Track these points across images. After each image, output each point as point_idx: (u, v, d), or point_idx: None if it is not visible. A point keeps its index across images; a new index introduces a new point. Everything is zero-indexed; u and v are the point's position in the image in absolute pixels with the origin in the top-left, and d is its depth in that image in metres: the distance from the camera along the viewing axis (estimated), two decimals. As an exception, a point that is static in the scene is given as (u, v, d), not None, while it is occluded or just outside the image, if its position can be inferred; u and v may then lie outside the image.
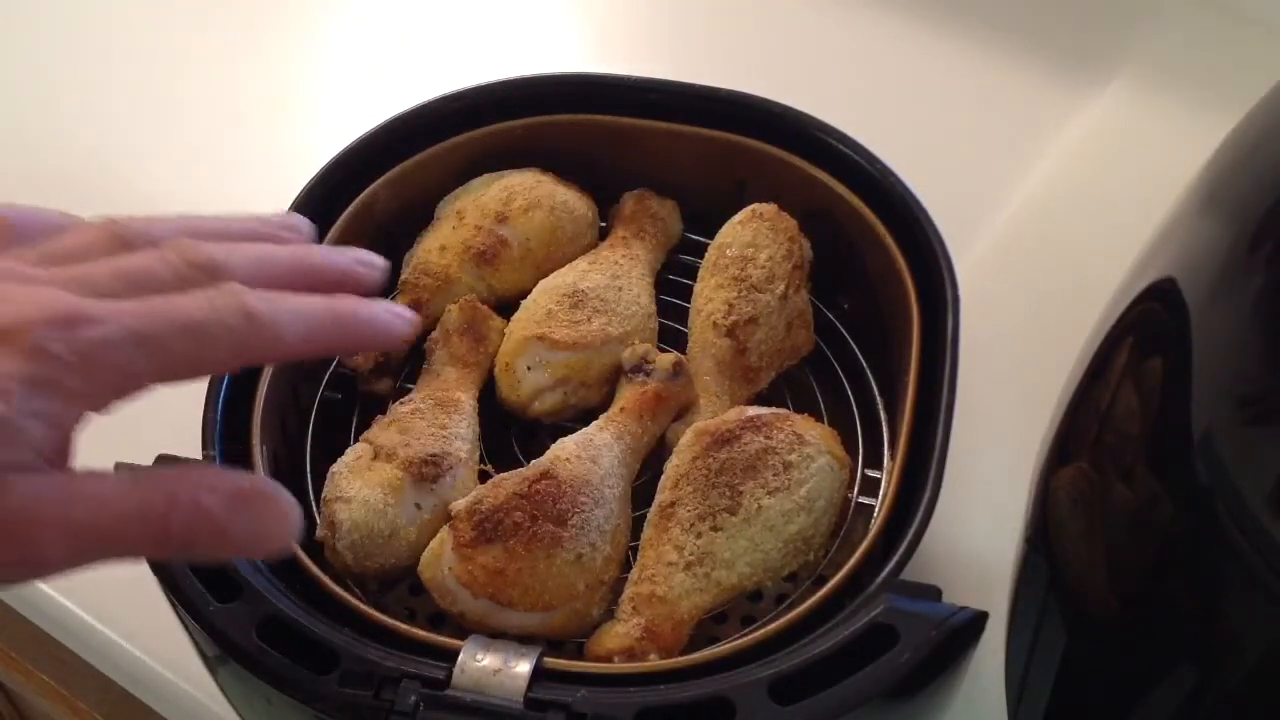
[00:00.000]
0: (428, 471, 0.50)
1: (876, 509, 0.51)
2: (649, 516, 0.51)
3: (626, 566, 0.50)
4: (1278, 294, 0.32)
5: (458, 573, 0.47)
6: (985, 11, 0.86)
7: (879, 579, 0.46)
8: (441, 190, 0.61)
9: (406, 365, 0.58)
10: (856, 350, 0.59)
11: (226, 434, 0.50)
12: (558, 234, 0.60)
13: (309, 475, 0.54)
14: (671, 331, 0.59)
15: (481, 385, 0.56)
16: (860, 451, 0.55)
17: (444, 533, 0.48)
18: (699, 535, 0.49)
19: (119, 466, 0.41)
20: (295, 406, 0.55)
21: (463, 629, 0.47)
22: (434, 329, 0.57)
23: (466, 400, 0.54)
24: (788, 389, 0.58)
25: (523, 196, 0.59)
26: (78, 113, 0.82)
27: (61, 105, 0.83)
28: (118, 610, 0.59)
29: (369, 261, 0.42)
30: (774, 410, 0.53)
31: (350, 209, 0.58)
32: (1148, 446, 0.36)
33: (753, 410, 0.52)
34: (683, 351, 0.57)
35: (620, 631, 0.47)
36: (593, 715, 0.42)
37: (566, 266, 0.59)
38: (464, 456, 0.51)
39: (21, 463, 0.33)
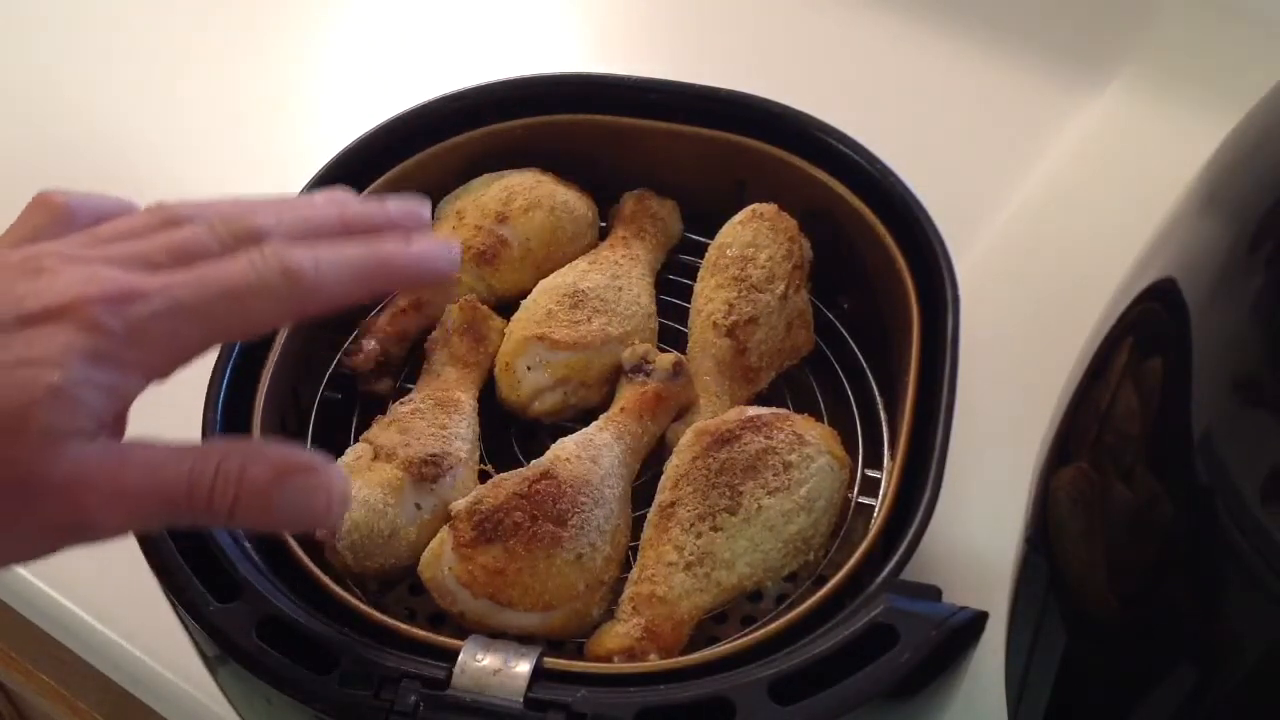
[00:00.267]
0: (428, 471, 0.50)
1: (876, 509, 0.51)
2: (649, 516, 0.51)
3: (626, 566, 0.50)
4: (1278, 294, 0.32)
5: (458, 573, 0.47)
6: (985, 11, 0.86)
7: (879, 579, 0.46)
8: (441, 190, 0.61)
9: (406, 365, 0.58)
10: (856, 350, 0.59)
11: (227, 434, 0.50)
12: (558, 234, 0.60)
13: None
14: (671, 331, 0.59)
15: (481, 385, 0.56)
16: (860, 451, 0.55)
17: (444, 533, 0.48)
18: (699, 535, 0.49)
19: None
20: (295, 406, 0.55)
21: (463, 629, 0.47)
22: (434, 329, 0.57)
23: (466, 400, 0.54)
24: (788, 389, 0.58)
25: (523, 196, 0.59)
26: (77, 113, 0.82)
27: (61, 106, 0.83)
28: (118, 610, 0.59)
29: (412, 209, 0.43)
30: (774, 410, 0.53)
31: (350, 209, 0.58)
32: (1148, 446, 0.36)
33: (753, 410, 0.52)
34: (683, 351, 0.57)
35: (620, 631, 0.47)
36: (593, 715, 0.42)
37: (566, 266, 0.59)
38: (464, 456, 0.51)
39: (78, 429, 0.35)
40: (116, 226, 0.40)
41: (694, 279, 0.59)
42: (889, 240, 0.57)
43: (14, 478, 0.35)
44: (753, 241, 0.57)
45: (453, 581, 0.47)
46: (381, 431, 0.52)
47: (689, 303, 0.59)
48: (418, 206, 0.43)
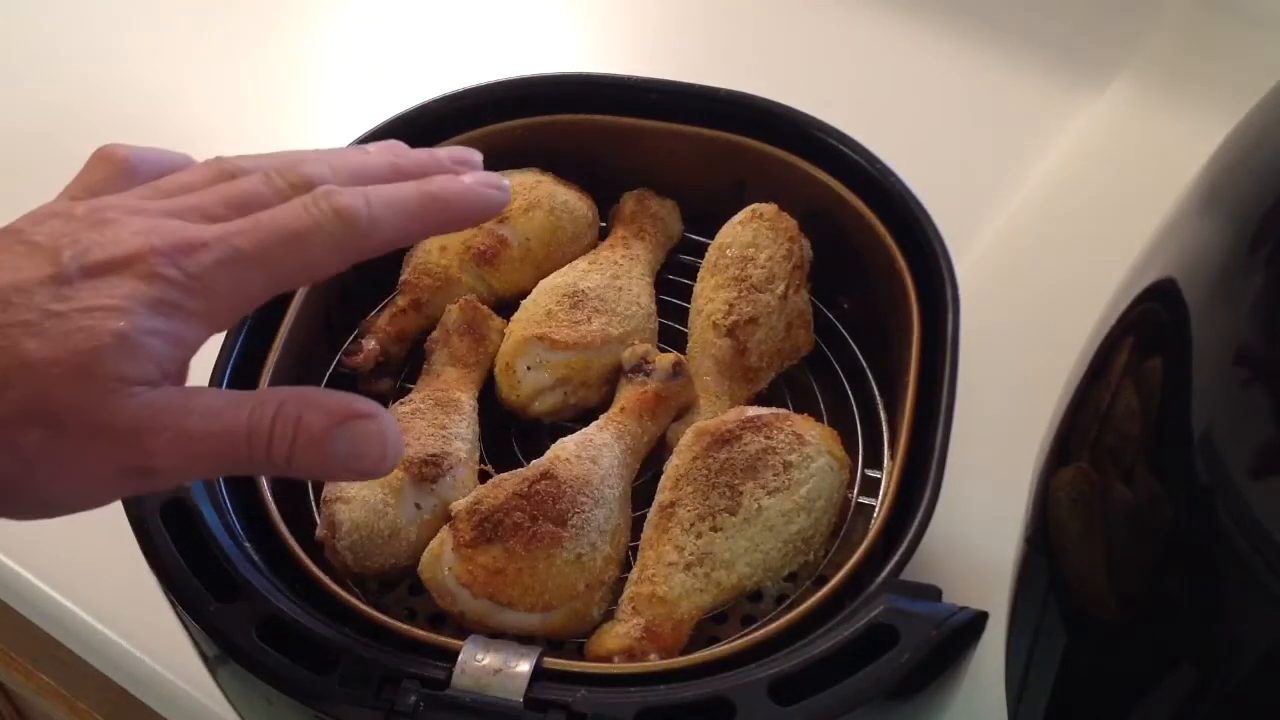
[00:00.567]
0: (428, 471, 0.50)
1: (876, 509, 0.51)
2: (649, 516, 0.51)
3: (626, 566, 0.50)
4: (1278, 294, 0.32)
5: (458, 573, 0.47)
6: (985, 11, 0.86)
7: (879, 579, 0.46)
8: (441, 190, 0.61)
9: (406, 365, 0.58)
10: (856, 350, 0.59)
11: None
12: (558, 234, 0.60)
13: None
14: (671, 331, 0.59)
15: (481, 385, 0.56)
16: (860, 451, 0.55)
17: (444, 533, 0.48)
18: (699, 535, 0.49)
19: None
20: (295, 406, 0.55)
21: (463, 629, 0.47)
22: (434, 329, 0.57)
23: (466, 400, 0.54)
24: (788, 389, 0.58)
25: (523, 196, 0.59)
26: (77, 114, 0.82)
27: (60, 106, 0.83)
28: (118, 610, 0.59)
29: (463, 157, 0.44)
30: (774, 410, 0.53)
31: (350, 209, 0.58)
32: (1148, 446, 0.36)
33: (753, 410, 0.52)
34: (683, 351, 0.57)
35: (620, 631, 0.47)
36: (593, 715, 0.42)
37: (566, 266, 0.59)
38: (464, 456, 0.51)
39: (143, 377, 0.36)
40: (176, 179, 0.41)
41: (694, 279, 0.59)
42: (889, 240, 0.57)
43: (81, 423, 0.35)
44: (753, 241, 0.57)
45: (453, 581, 0.47)
46: (381, 431, 0.52)
47: (689, 303, 0.59)
48: (469, 153, 0.44)
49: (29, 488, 0.36)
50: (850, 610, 0.45)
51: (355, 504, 0.49)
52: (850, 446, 0.54)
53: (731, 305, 0.56)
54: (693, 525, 0.49)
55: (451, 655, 0.44)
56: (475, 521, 0.47)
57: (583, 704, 0.42)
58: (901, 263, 0.56)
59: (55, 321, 0.35)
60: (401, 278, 0.58)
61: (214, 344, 0.47)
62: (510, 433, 0.56)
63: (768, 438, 0.50)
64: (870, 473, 0.54)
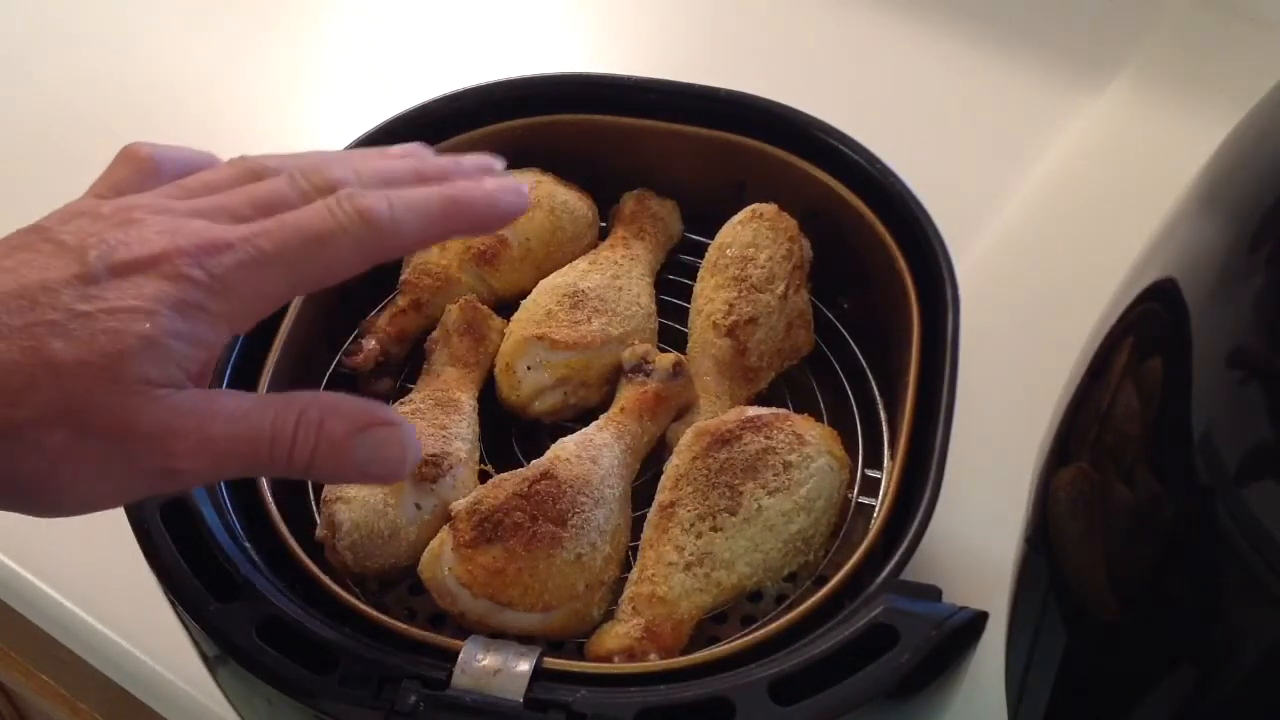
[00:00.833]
0: (428, 471, 0.50)
1: (876, 509, 0.51)
2: (649, 516, 0.51)
3: (626, 566, 0.50)
4: (1278, 294, 0.32)
5: (458, 573, 0.47)
6: (985, 11, 0.86)
7: (879, 579, 0.46)
8: (441, 190, 0.61)
9: (406, 365, 0.58)
10: (856, 350, 0.59)
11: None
12: (558, 234, 0.60)
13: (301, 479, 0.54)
14: (671, 331, 0.59)
15: (481, 385, 0.56)
16: (860, 451, 0.55)
17: (444, 533, 0.48)
18: (699, 535, 0.49)
19: None
20: (295, 406, 0.55)
21: (463, 629, 0.47)
22: (434, 329, 0.57)
23: (466, 400, 0.54)
24: (788, 389, 0.58)
25: (523, 196, 0.59)
26: (76, 114, 0.82)
27: (60, 107, 0.83)
28: (118, 610, 0.59)
29: (485, 161, 0.45)
30: (774, 410, 0.53)
31: (350, 209, 0.58)
32: (1148, 446, 0.36)
33: (753, 410, 0.52)
34: (683, 351, 0.57)
35: (620, 632, 0.47)
36: (593, 715, 0.42)
37: (566, 266, 0.59)
38: (464, 456, 0.51)
39: (168, 379, 0.36)
40: (202, 179, 0.41)
41: (694, 279, 0.59)
42: (889, 240, 0.57)
43: (107, 425, 0.35)
44: (753, 241, 0.57)
45: (453, 581, 0.47)
46: (381, 431, 0.52)
47: (689, 303, 0.59)
48: (492, 160, 0.45)
49: (54, 488, 0.36)
50: (850, 610, 0.45)
51: (355, 504, 0.49)
52: (850, 446, 0.54)
53: (731, 305, 0.56)
54: (693, 525, 0.49)
55: (451, 655, 0.44)
56: (475, 521, 0.47)
57: (583, 704, 0.42)
58: (901, 263, 0.56)
59: (81, 322, 0.35)
60: (401, 278, 0.58)
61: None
62: (510, 433, 0.56)
63: (768, 438, 0.50)
64: (870, 473, 0.54)
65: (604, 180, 0.62)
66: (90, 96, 0.83)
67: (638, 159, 0.62)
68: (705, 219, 0.61)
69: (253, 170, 0.41)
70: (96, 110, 0.82)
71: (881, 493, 0.51)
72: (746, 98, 0.61)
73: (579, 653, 0.49)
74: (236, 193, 0.40)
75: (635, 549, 0.50)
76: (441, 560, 0.48)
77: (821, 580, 0.50)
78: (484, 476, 0.52)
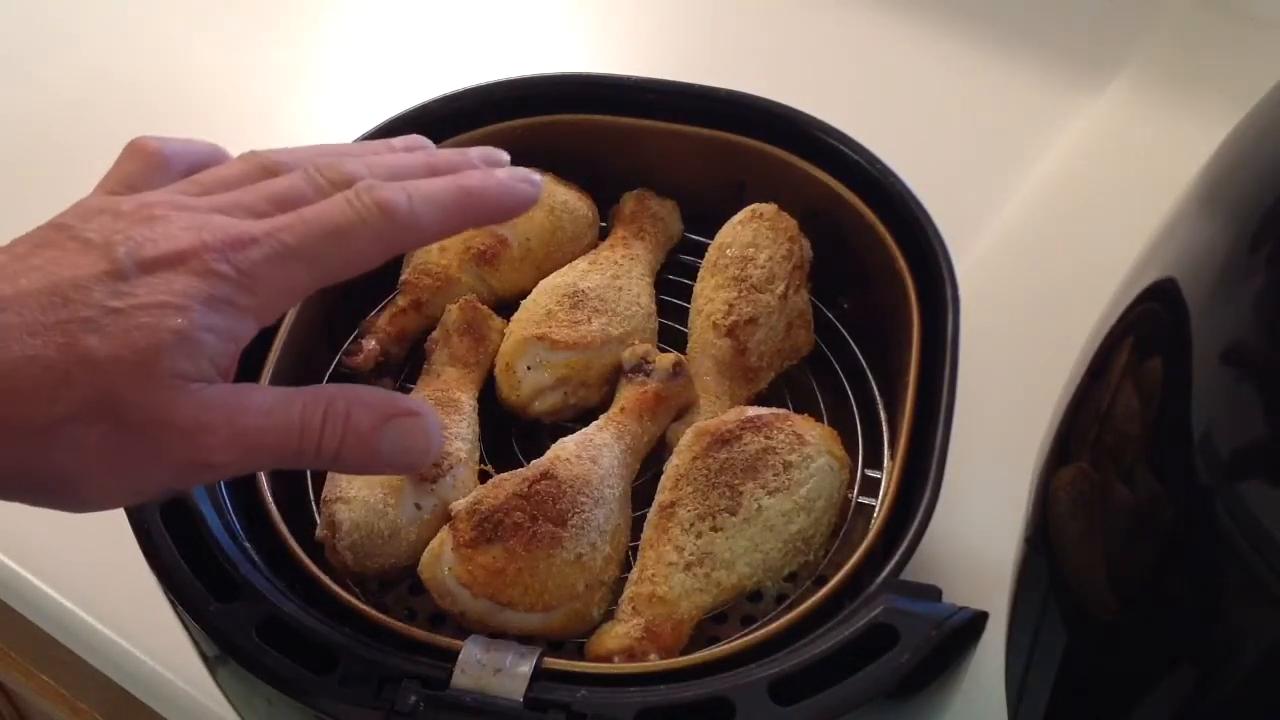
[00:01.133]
0: (428, 471, 0.50)
1: (876, 509, 0.51)
2: (649, 516, 0.51)
3: (626, 566, 0.50)
4: (1278, 294, 0.32)
5: (458, 573, 0.47)
6: (985, 11, 0.86)
7: (879, 579, 0.46)
8: (441, 190, 0.61)
9: (406, 365, 0.58)
10: (856, 350, 0.59)
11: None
12: (558, 234, 0.60)
13: (309, 475, 0.54)
14: (671, 331, 0.59)
15: (481, 385, 0.56)
16: (860, 451, 0.55)
17: (444, 533, 0.48)
18: (699, 535, 0.49)
19: None
20: (295, 406, 0.55)
21: (463, 629, 0.47)
22: (434, 329, 0.57)
23: (466, 400, 0.54)
24: (788, 389, 0.58)
25: (523, 196, 0.59)
26: (77, 114, 0.82)
27: (60, 107, 0.83)
28: (118, 610, 0.59)
29: (495, 158, 0.45)
30: (774, 410, 0.53)
31: (350, 209, 0.58)
32: (1148, 446, 0.36)
33: (753, 410, 0.52)
34: (683, 351, 0.57)
35: (620, 632, 0.47)
36: (593, 715, 0.42)
37: (566, 266, 0.59)
38: (464, 456, 0.51)
39: (198, 373, 0.37)
40: (215, 175, 0.41)
41: (694, 279, 0.59)
42: (889, 240, 0.57)
43: (142, 420, 0.36)
44: (753, 241, 0.57)
45: (453, 581, 0.47)
46: (381, 431, 0.52)
47: (689, 303, 0.59)
48: (498, 153, 0.45)
49: (89, 483, 0.37)
50: (850, 610, 0.45)
51: (355, 504, 0.49)
52: (850, 446, 0.54)
53: (731, 305, 0.56)
54: (693, 525, 0.49)
55: (451, 655, 0.44)
56: (475, 521, 0.47)
57: (583, 704, 0.42)
58: (901, 263, 0.56)
59: (115, 318, 0.36)
60: (401, 278, 0.58)
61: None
62: (510, 433, 0.56)
63: (768, 438, 0.50)
64: (870, 473, 0.54)
65: (604, 180, 0.62)
66: (91, 96, 0.83)
67: (638, 159, 0.62)
68: (705, 219, 0.61)
69: (265, 166, 0.42)
70: (97, 110, 0.82)
71: (881, 493, 0.51)
72: (746, 98, 0.61)
73: (579, 653, 0.49)
74: (254, 189, 0.41)
75: (635, 549, 0.50)
76: (441, 560, 0.47)
77: (821, 580, 0.50)
78: (484, 476, 0.52)
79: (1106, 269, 0.43)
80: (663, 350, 0.56)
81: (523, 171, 0.43)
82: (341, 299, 0.58)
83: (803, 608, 0.46)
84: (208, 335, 0.37)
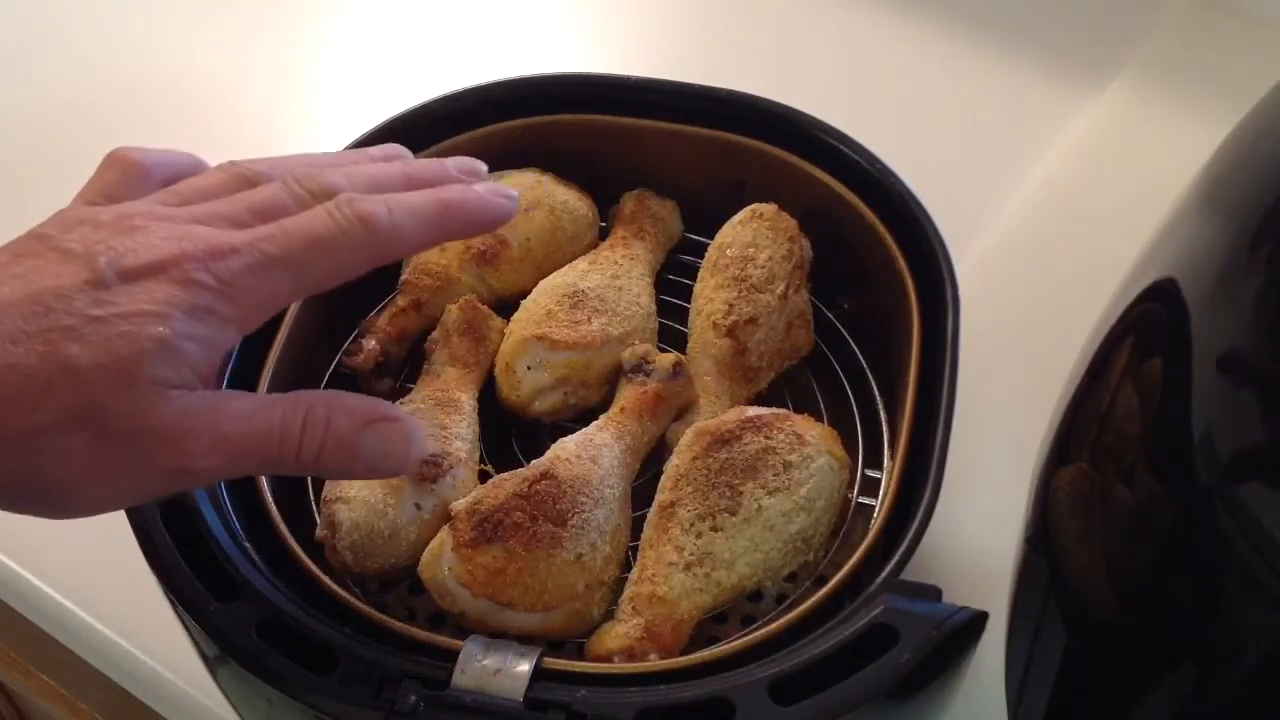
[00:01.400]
0: (428, 471, 0.50)
1: (876, 509, 0.51)
2: (649, 516, 0.51)
3: (626, 566, 0.50)
4: (1278, 294, 0.32)
5: (458, 573, 0.47)
6: (986, 12, 0.86)
7: (879, 579, 0.46)
8: (441, 190, 0.61)
9: (406, 365, 0.58)
10: (856, 350, 0.59)
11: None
12: (558, 234, 0.60)
13: (308, 476, 0.54)
14: (671, 331, 0.59)
15: (481, 385, 0.56)
16: (860, 451, 0.55)
17: (444, 533, 0.48)
18: (699, 535, 0.49)
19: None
20: (295, 406, 0.55)
21: (463, 629, 0.47)
22: (434, 329, 0.57)
23: (466, 400, 0.54)
24: (788, 389, 0.58)
25: (523, 196, 0.59)
26: (76, 115, 0.82)
27: (60, 107, 0.83)
28: (118, 610, 0.59)
29: (471, 169, 0.46)
30: (774, 410, 0.53)
31: (350, 209, 0.58)
32: (1148, 446, 0.36)
33: (753, 410, 0.52)
34: (683, 351, 0.57)
35: (620, 632, 0.47)
36: (593, 715, 0.42)
37: (566, 266, 0.59)
38: (464, 456, 0.51)
39: (181, 381, 0.37)
40: (194, 185, 0.42)
41: (694, 279, 0.59)
42: (889, 240, 0.57)
43: (125, 428, 0.36)
44: (753, 241, 0.57)
45: (453, 581, 0.47)
46: (381, 431, 0.52)
47: (689, 303, 0.59)
48: (475, 164, 0.46)
49: (74, 490, 0.37)
50: (850, 610, 0.45)
51: (355, 504, 0.49)
52: (850, 446, 0.54)
53: (731, 305, 0.56)
54: (693, 525, 0.49)
55: (451, 655, 0.44)
56: (475, 521, 0.47)
57: (583, 704, 0.42)
58: (901, 263, 0.56)
59: (96, 327, 0.36)
60: (401, 278, 0.58)
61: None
62: (510, 433, 0.56)
63: (768, 438, 0.50)
64: (870, 473, 0.54)
65: (604, 180, 0.62)
66: (90, 96, 0.83)
67: (638, 159, 0.62)
68: (705, 219, 0.61)
69: (244, 176, 0.42)
70: (96, 110, 0.82)
71: (881, 493, 0.51)
72: (746, 98, 0.61)
73: (579, 653, 0.49)
74: (233, 199, 0.41)
75: (635, 549, 0.50)
76: (441, 560, 0.48)
77: (821, 580, 0.50)
78: (484, 476, 0.52)
79: (1106, 269, 0.43)
80: (663, 350, 0.56)
81: (500, 187, 0.44)
82: (342, 299, 0.58)
83: (803, 608, 0.46)
84: (189, 344, 0.37)
